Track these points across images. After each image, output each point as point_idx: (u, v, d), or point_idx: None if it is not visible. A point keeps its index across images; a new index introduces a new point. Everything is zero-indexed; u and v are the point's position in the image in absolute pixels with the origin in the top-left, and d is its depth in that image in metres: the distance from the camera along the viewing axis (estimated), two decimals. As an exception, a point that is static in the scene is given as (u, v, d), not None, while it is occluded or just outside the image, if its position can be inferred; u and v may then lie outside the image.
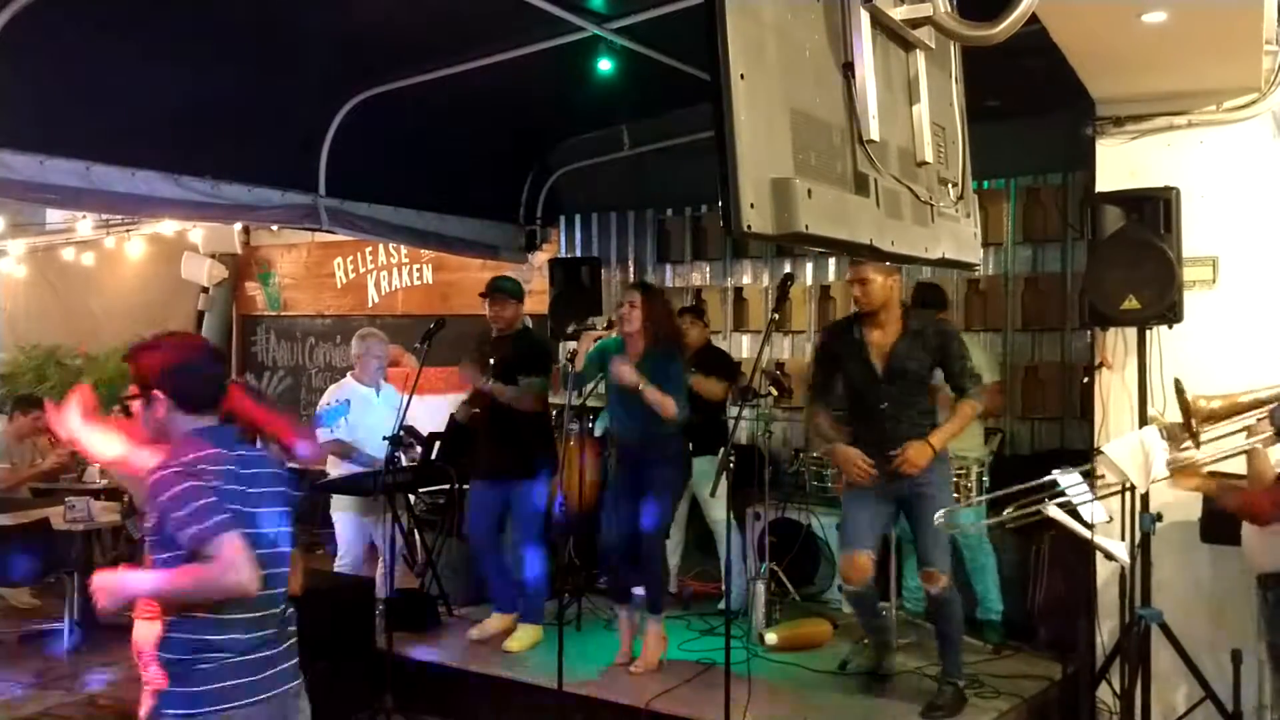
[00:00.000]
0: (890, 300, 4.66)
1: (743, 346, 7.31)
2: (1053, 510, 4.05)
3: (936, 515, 4.40)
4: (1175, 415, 4.42)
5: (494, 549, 5.71)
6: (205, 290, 10.47)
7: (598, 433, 6.40)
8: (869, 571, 4.63)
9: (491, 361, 5.56)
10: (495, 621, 5.67)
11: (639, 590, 5.20)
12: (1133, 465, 4.16)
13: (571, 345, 5.66)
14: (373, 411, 5.99)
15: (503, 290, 5.74)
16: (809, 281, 7.07)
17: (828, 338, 4.94)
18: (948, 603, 4.67)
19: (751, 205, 1.69)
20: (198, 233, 10.03)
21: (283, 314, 10.51)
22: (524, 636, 5.53)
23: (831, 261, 7.01)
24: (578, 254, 7.96)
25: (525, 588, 5.61)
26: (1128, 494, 4.46)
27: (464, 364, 5.59)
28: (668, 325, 5.18)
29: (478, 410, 5.71)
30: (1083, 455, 4.83)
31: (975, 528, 5.55)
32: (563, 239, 8.17)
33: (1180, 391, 3.92)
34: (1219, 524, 4.36)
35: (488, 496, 5.61)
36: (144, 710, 2.63)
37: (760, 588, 5.73)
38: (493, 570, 5.77)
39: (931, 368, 4.68)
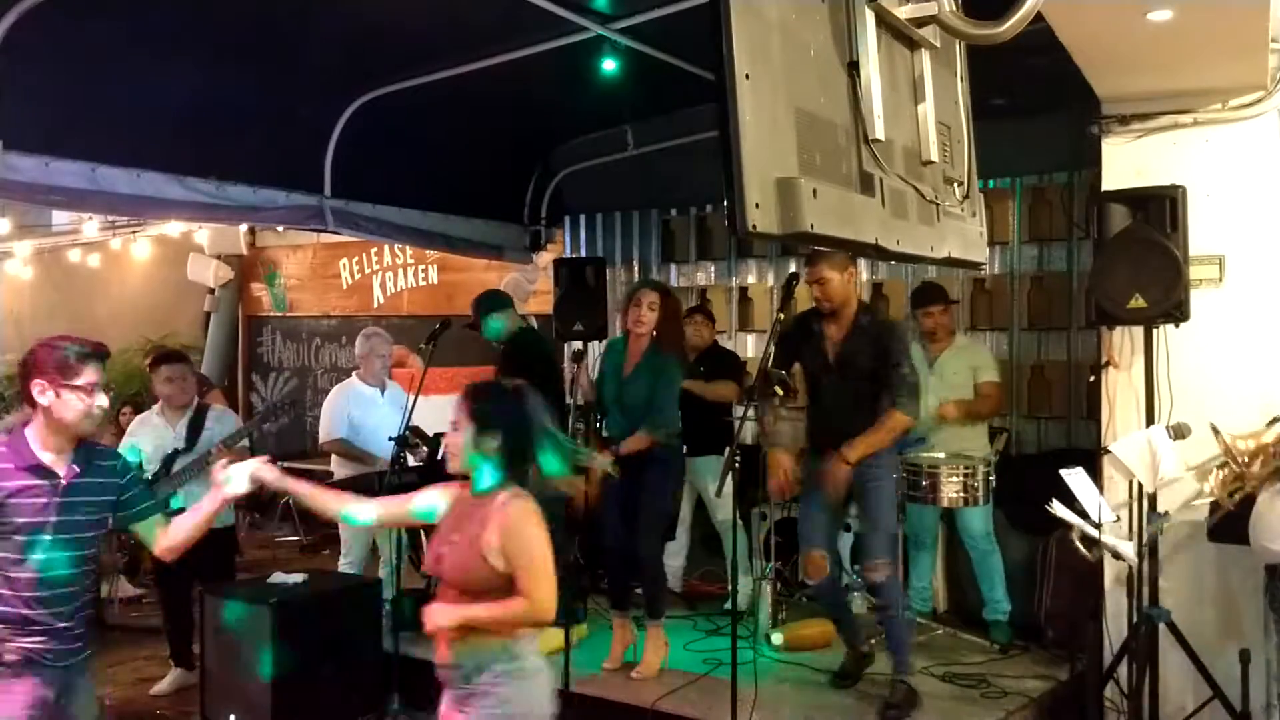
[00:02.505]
0: (849, 296, 4.71)
1: (748, 346, 7.31)
2: (1059, 509, 4.06)
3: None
4: (1181, 417, 4.44)
5: None
6: (211, 291, 10.49)
7: (605, 433, 6.39)
8: (824, 569, 4.68)
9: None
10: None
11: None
12: (1140, 464, 4.16)
13: (576, 345, 5.67)
14: (377, 411, 6.00)
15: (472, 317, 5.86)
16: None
17: (789, 327, 4.91)
18: (889, 592, 4.68)
19: (756, 205, 1.68)
20: (203, 234, 10.06)
21: (288, 315, 10.53)
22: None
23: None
24: (582, 254, 7.96)
25: None
26: (1135, 493, 4.46)
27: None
28: (675, 333, 5.17)
29: None
30: (1089, 454, 4.82)
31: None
32: (567, 239, 8.17)
33: (1217, 433, 4.02)
34: (1227, 523, 4.35)
35: None
36: None
37: (766, 588, 5.73)
38: None
39: (878, 369, 4.64)
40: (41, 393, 3.09)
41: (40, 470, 3.11)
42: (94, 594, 3.41)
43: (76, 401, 3.10)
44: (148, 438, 5.52)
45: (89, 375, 3.12)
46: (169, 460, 5.44)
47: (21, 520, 3.07)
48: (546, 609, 2.93)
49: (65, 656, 3.15)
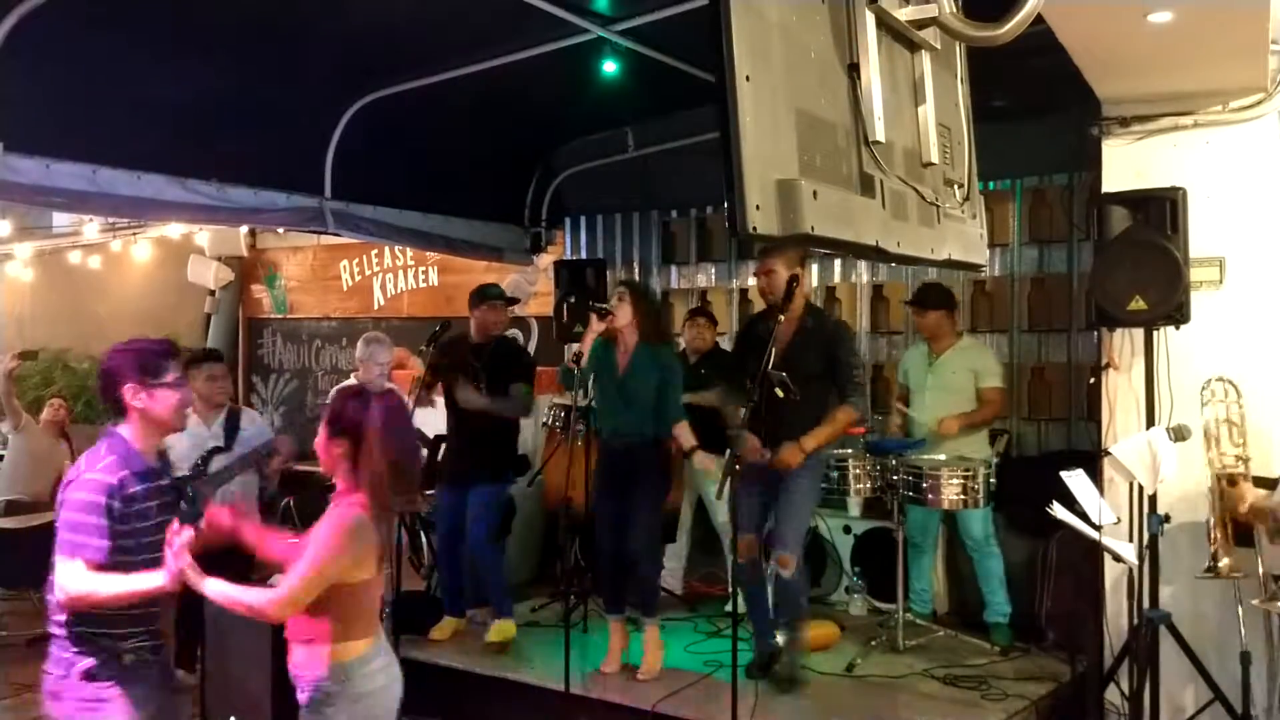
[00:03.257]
0: (795, 295, 4.76)
1: (748, 348, 7.30)
2: (1059, 511, 4.06)
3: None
4: (1181, 419, 4.44)
5: (455, 554, 5.73)
6: (212, 293, 10.48)
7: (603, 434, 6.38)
8: (754, 550, 4.90)
9: (477, 371, 5.63)
10: (448, 625, 5.73)
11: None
12: (1140, 466, 4.16)
13: (575, 347, 5.66)
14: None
15: (500, 297, 5.81)
16: (814, 283, 7.06)
17: (747, 325, 5.04)
18: (791, 585, 4.86)
19: (757, 206, 1.68)
20: (204, 236, 10.05)
21: (289, 317, 10.52)
22: (505, 630, 5.55)
23: (837, 263, 7.01)
24: (583, 256, 7.96)
25: (493, 586, 5.64)
26: (1136, 495, 4.46)
27: (459, 382, 5.58)
28: (657, 324, 5.24)
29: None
30: (1090, 456, 4.82)
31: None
32: (568, 241, 8.17)
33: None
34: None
35: (451, 501, 5.68)
36: None
37: (767, 590, 5.71)
38: (451, 574, 5.81)
39: (826, 367, 4.79)
40: (134, 395, 3.13)
41: (151, 474, 3.19)
42: None
43: (169, 396, 3.16)
44: (181, 434, 5.51)
45: (173, 370, 3.20)
46: (206, 458, 5.43)
47: (144, 524, 3.13)
48: (279, 609, 2.93)
49: (160, 651, 3.25)
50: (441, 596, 5.89)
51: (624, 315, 5.05)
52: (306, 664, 3.01)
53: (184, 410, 3.27)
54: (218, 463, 5.40)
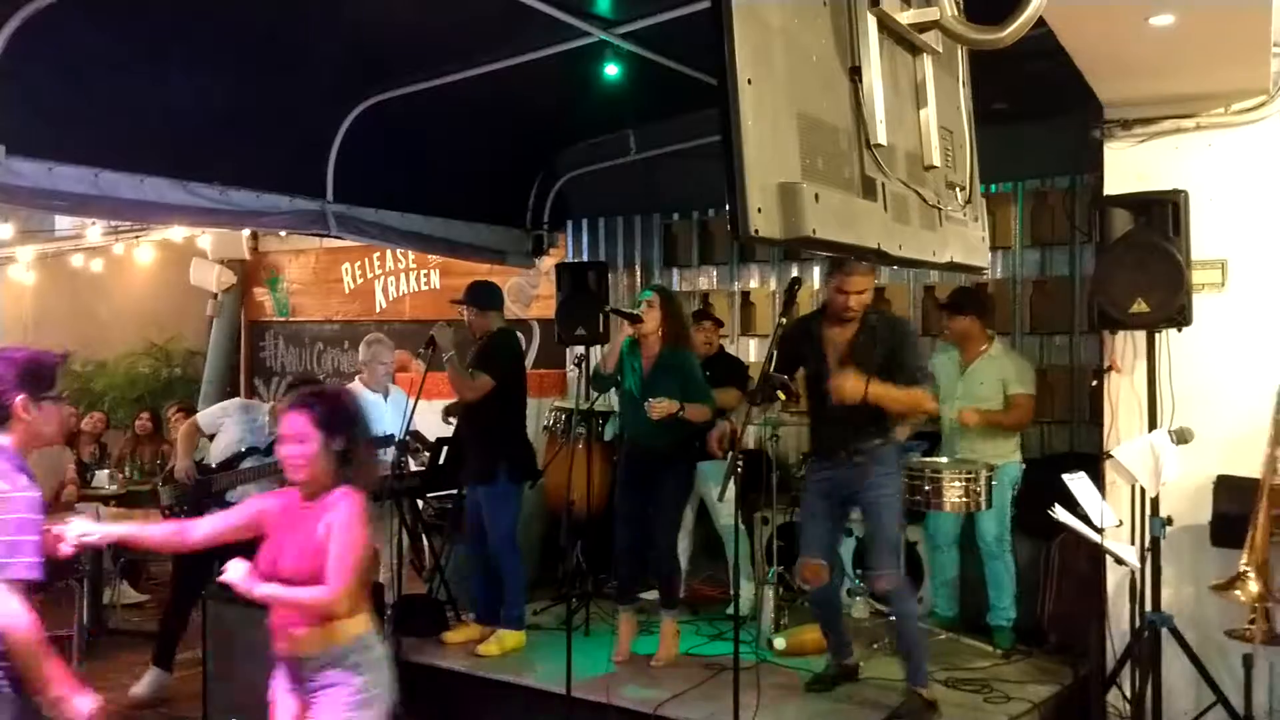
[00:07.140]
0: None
1: (750, 350, 7.31)
2: (1061, 514, 4.06)
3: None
4: (1183, 422, 4.44)
5: (479, 554, 5.71)
6: (214, 296, 10.50)
7: (607, 437, 6.39)
8: (823, 577, 4.66)
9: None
10: (467, 630, 5.70)
11: (646, 595, 5.24)
12: (1143, 469, 4.16)
13: (579, 350, 5.66)
14: (380, 417, 6.00)
15: (464, 300, 5.81)
16: (816, 285, 7.05)
17: (791, 333, 4.70)
18: (900, 601, 4.66)
19: (759, 209, 1.68)
20: (206, 239, 10.07)
21: (291, 319, 10.53)
22: (505, 641, 5.48)
23: (839, 265, 7.00)
24: (585, 258, 7.97)
25: (510, 593, 5.58)
26: (1138, 497, 4.46)
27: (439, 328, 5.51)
28: (682, 329, 5.34)
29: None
30: (1092, 459, 4.82)
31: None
32: (570, 243, 8.17)
33: None
34: (1229, 528, 4.35)
35: (470, 501, 5.72)
36: None
37: (769, 592, 5.72)
38: (477, 576, 5.80)
39: (888, 367, 4.52)
40: (24, 409, 3.16)
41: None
42: None
43: (55, 411, 3.32)
44: (240, 425, 5.59)
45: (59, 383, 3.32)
46: (240, 456, 5.49)
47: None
48: (335, 601, 3.11)
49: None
50: (466, 600, 5.88)
51: (652, 321, 5.13)
52: (323, 641, 3.15)
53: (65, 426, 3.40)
54: (248, 463, 5.46)
